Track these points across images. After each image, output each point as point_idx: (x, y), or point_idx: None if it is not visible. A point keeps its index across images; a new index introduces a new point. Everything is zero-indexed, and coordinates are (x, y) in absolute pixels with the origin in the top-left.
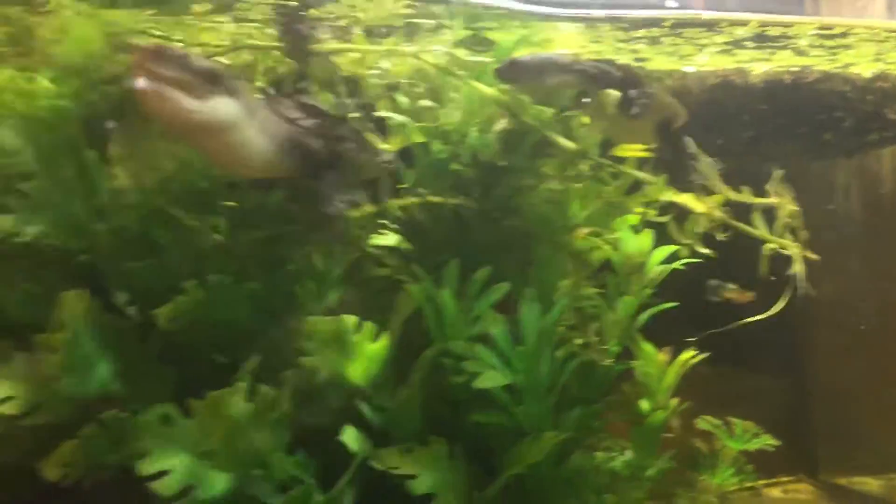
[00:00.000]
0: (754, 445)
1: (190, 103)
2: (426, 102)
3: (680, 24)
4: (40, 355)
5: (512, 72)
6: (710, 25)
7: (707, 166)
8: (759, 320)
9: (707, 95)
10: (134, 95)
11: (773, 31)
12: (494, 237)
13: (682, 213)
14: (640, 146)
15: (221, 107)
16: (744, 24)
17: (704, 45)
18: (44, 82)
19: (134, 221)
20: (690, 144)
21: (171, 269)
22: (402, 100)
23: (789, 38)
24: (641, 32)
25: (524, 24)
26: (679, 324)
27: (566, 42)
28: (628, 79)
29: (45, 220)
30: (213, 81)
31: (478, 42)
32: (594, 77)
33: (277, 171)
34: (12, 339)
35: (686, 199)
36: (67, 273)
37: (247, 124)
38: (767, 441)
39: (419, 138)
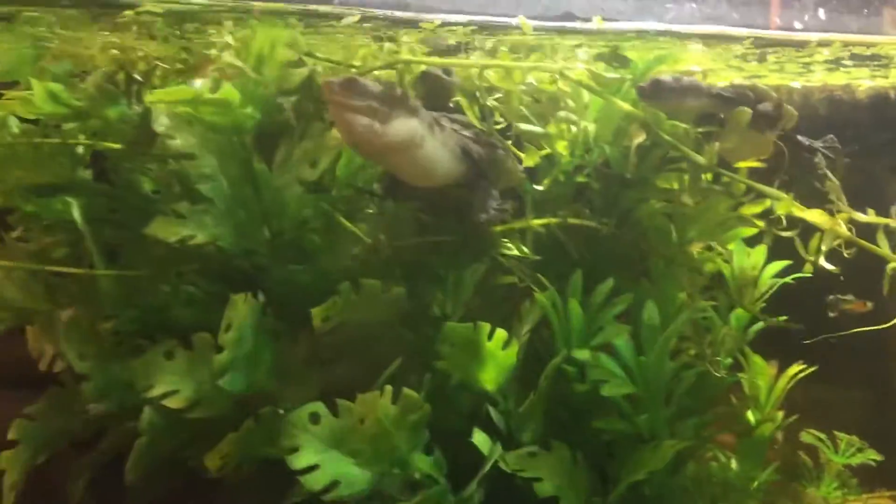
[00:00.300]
0: (858, 459)
1: (380, 128)
2: (563, 114)
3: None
4: (203, 353)
5: (655, 91)
6: (802, 45)
7: (834, 184)
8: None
9: (811, 111)
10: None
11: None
12: (614, 249)
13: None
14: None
15: (406, 127)
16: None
17: (807, 63)
18: (228, 93)
19: (292, 227)
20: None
21: (324, 273)
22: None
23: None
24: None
25: (657, 43)
26: (783, 336)
27: (694, 60)
28: (760, 97)
29: (215, 224)
30: (396, 105)
31: (615, 59)
32: (731, 101)
33: (454, 179)
34: (176, 337)
35: (812, 215)
36: (227, 276)
37: (429, 139)
38: (871, 456)
39: (553, 149)
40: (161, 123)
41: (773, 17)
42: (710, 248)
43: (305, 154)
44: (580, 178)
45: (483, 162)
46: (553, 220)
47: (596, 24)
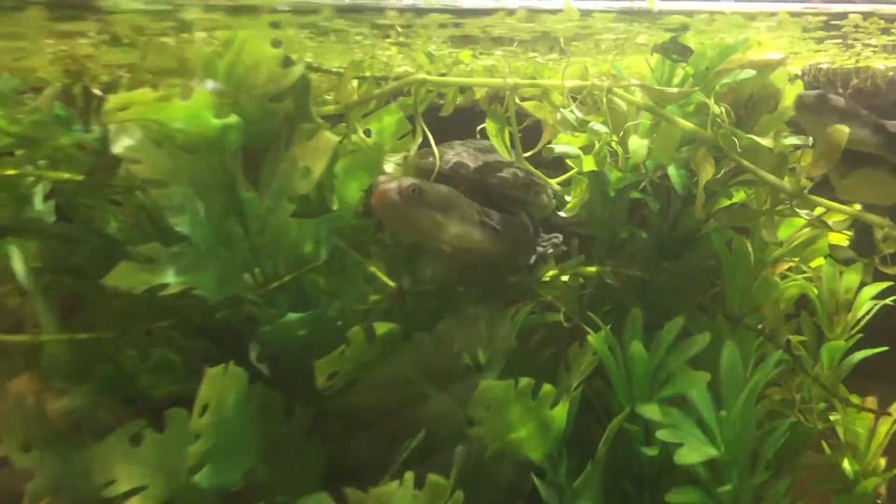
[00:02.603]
0: None
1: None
2: (598, 127)
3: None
4: (179, 435)
5: (818, 107)
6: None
7: None
8: None
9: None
10: None
11: None
12: (679, 276)
13: None
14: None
15: (459, 229)
16: None
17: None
18: (202, 101)
19: (288, 267)
20: None
21: (330, 323)
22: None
23: None
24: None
25: (717, 25)
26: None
27: (773, 46)
28: None
29: (192, 268)
30: (419, 201)
31: (674, 50)
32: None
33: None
34: (143, 412)
35: None
36: (210, 331)
37: (448, 222)
38: None
39: (594, 167)
40: (122, 145)
41: None
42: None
43: (293, 162)
44: (633, 195)
45: (516, 220)
46: (604, 269)
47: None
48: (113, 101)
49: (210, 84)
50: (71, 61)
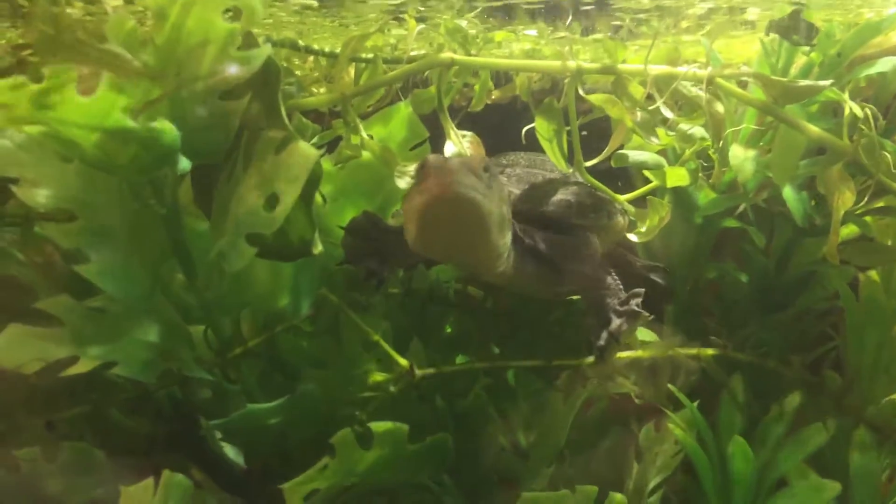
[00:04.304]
0: None
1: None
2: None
3: None
4: None
5: None
6: None
7: None
8: None
9: None
10: None
11: None
12: (787, 333)
13: None
14: None
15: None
16: None
17: None
18: (112, 97)
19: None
20: None
21: (311, 409)
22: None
23: None
24: None
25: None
26: None
27: None
28: None
29: (110, 336)
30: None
31: (794, 28)
32: None
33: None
34: None
35: None
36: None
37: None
38: None
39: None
40: (12, 161)
41: None
42: None
43: (256, 186)
44: (728, 223)
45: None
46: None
47: None
48: None
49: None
50: None
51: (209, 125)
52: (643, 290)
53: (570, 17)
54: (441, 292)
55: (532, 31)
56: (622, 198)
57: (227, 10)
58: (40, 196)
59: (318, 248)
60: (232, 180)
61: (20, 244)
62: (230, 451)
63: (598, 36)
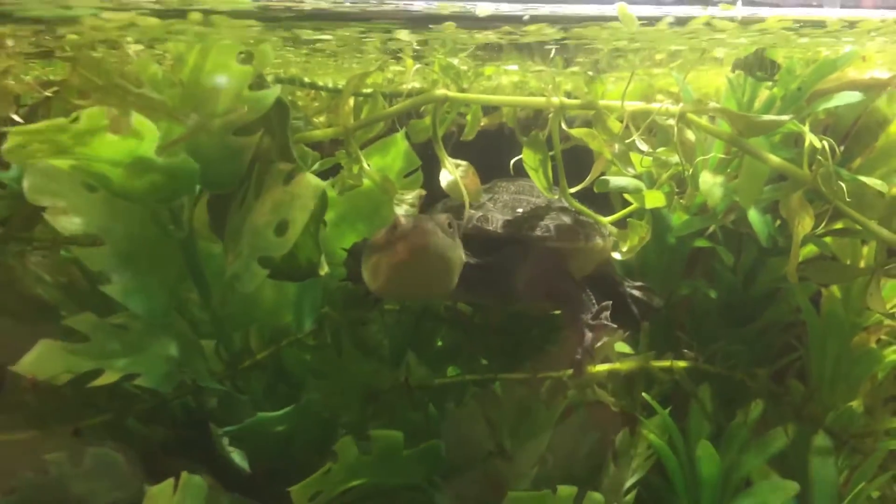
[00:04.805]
0: None
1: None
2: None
3: None
4: None
5: None
6: None
7: None
8: None
9: None
10: None
11: None
12: (747, 342)
13: None
14: None
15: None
16: None
17: None
18: (142, 134)
19: (262, 343)
20: None
21: (315, 416)
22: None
23: None
24: None
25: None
26: None
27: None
28: None
29: (133, 350)
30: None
31: (758, 65)
32: None
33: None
34: None
35: None
36: (161, 421)
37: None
38: None
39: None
40: (39, 190)
41: None
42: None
43: (269, 212)
44: (699, 243)
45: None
46: (679, 364)
47: (732, 10)
48: (14, 133)
49: None
50: None
51: (225, 158)
52: (611, 302)
53: (553, 52)
54: (433, 309)
55: (513, 66)
56: (605, 220)
57: (241, 53)
58: (70, 223)
59: (325, 269)
60: (244, 208)
61: (47, 266)
62: (237, 455)
63: (575, 69)
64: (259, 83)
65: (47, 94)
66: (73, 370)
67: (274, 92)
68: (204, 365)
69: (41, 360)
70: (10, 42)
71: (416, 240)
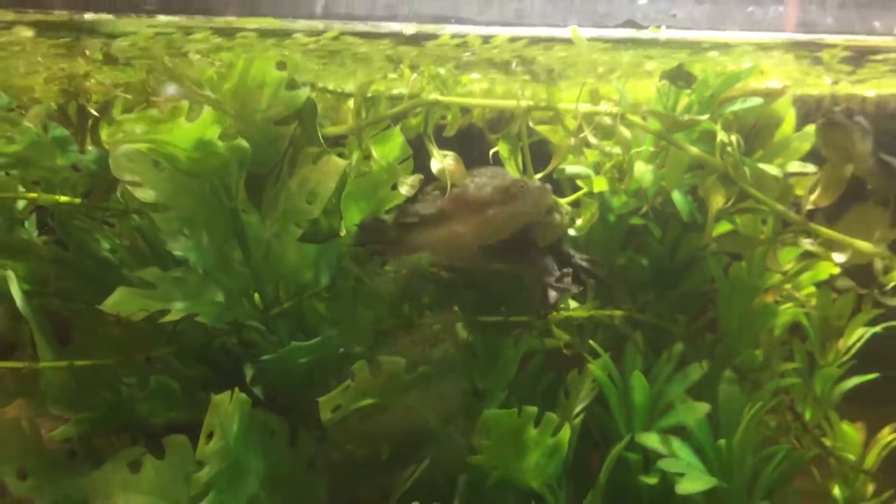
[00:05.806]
0: None
1: None
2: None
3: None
4: (179, 462)
5: (843, 123)
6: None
7: None
8: None
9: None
10: None
11: None
12: (676, 304)
13: None
14: None
15: None
16: None
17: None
18: (208, 124)
19: (290, 293)
20: None
21: (331, 351)
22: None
23: None
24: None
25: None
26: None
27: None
28: None
29: (193, 294)
30: None
31: (679, 77)
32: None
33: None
34: (144, 442)
35: None
36: (209, 358)
37: None
38: None
39: (605, 187)
40: (121, 168)
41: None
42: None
43: (300, 187)
44: (634, 221)
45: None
46: (617, 313)
47: (658, 33)
48: (115, 121)
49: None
50: (66, 80)
51: (267, 144)
52: (571, 269)
53: (514, 64)
54: (422, 269)
55: (476, 75)
56: (562, 201)
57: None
58: (145, 194)
59: (344, 232)
60: (279, 183)
61: (117, 232)
62: (257, 390)
63: (526, 77)
64: (292, 85)
65: (117, 93)
66: (146, 309)
67: (305, 92)
68: (244, 310)
69: (122, 300)
70: (87, 52)
71: (542, 196)
